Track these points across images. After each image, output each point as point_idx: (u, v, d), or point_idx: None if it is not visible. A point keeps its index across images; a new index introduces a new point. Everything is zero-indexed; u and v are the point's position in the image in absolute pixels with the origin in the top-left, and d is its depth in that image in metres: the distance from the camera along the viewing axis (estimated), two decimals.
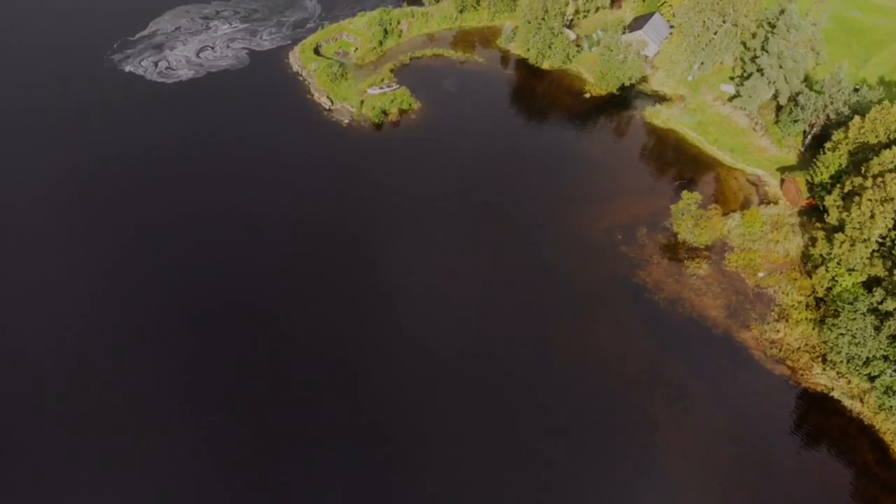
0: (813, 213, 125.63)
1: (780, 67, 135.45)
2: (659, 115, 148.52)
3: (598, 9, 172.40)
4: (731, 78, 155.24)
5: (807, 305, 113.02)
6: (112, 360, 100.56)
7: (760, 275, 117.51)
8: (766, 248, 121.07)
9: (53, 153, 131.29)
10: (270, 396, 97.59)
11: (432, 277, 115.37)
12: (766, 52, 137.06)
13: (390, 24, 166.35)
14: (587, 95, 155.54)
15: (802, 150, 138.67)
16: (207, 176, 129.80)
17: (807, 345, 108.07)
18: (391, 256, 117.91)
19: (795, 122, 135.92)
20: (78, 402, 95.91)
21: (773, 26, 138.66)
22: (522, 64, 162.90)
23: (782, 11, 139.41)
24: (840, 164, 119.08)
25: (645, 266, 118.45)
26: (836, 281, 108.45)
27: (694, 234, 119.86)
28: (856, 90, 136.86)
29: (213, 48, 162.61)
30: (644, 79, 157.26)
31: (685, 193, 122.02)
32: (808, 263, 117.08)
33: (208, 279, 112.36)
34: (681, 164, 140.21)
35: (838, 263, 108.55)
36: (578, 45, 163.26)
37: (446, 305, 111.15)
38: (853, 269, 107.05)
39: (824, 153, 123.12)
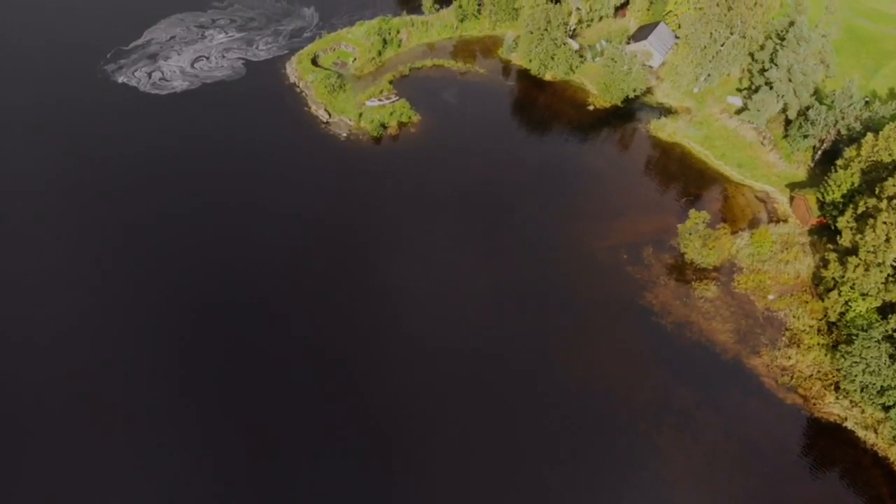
0: (824, 231, 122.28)
1: (790, 81, 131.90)
2: (664, 129, 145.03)
3: (601, 18, 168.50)
4: (738, 90, 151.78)
5: (818, 330, 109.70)
6: (105, 380, 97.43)
7: (770, 297, 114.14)
8: (775, 268, 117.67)
9: (40, 168, 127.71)
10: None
11: (431, 297, 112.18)
12: (776, 65, 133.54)
13: (389, 33, 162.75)
14: (590, 107, 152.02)
15: (812, 165, 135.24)
16: (200, 192, 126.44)
17: (819, 372, 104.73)
18: (389, 275, 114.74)
19: (805, 137, 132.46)
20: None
21: (783, 38, 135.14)
22: (524, 75, 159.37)
23: (792, 23, 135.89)
24: (852, 183, 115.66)
25: (652, 288, 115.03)
26: (850, 306, 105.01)
27: (702, 254, 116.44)
28: (866, 102, 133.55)
29: (208, 58, 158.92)
30: (649, 90, 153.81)
31: (692, 212, 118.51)
32: (819, 285, 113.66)
33: (200, 292, 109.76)
34: (687, 179, 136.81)
35: (851, 288, 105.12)
36: (581, 56, 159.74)
37: (445, 325, 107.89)
38: (867, 294, 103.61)
39: (836, 171, 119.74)
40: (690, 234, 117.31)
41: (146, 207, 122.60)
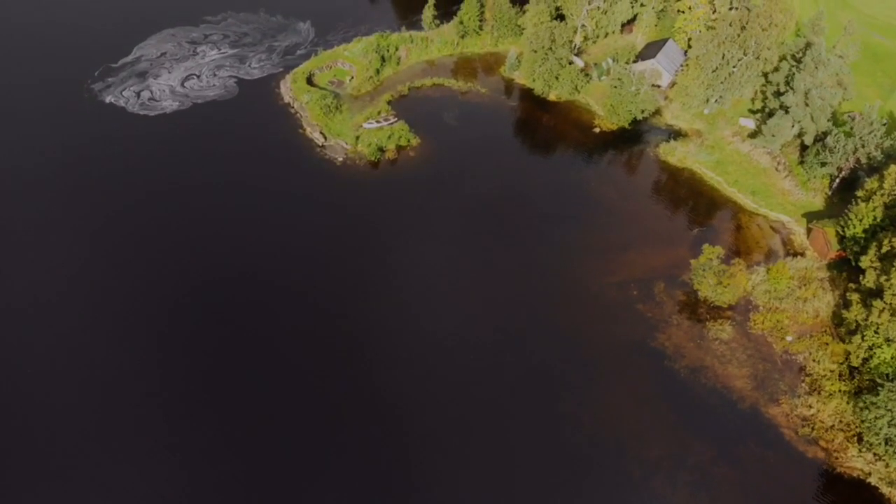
0: (843, 266, 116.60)
1: (807, 105, 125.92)
2: (674, 153, 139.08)
3: (607, 34, 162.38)
4: (751, 111, 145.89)
5: (840, 375, 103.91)
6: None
7: (788, 339, 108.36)
8: (793, 306, 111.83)
9: (18, 196, 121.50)
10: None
11: (428, 335, 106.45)
12: (792, 89, 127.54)
13: (388, 50, 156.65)
14: (596, 130, 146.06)
15: (829, 193, 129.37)
16: (187, 220, 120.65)
17: (841, 422, 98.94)
18: (386, 314, 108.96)
19: (823, 164, 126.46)
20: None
21: (799, 61, 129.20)
22: (527, 94, 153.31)
23: (808, 45, 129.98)
24: (875, 218, 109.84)
25: (664, 328, 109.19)
26: (874, 352, 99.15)
27: (716, 292, 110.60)
28: (882, 124, 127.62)
29: (199, 77, 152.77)
30: (657, 111, 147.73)
31: (706, 247, 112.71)
32: (840, 326, 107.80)
33: (184, 328, 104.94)
34: (698, 207, 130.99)
35: (876, 332, 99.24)
36: (587, 74, 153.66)
37: (443, 368, 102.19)
38: (893, 340, 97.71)
39: (856, 203, 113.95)
40: (704, 270, 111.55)
41: (127, 240, 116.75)
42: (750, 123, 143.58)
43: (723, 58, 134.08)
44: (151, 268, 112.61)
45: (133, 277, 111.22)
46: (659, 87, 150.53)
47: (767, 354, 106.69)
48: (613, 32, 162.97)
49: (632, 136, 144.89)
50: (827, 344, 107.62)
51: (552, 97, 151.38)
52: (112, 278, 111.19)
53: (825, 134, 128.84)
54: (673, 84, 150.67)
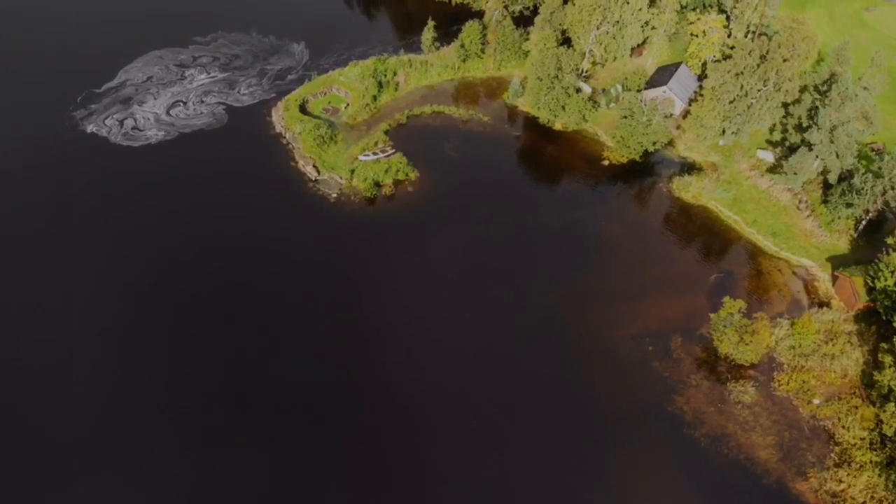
0: (872, 317, 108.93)
1: (832, 142, 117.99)
2: (688, 188, 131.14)
3: (615, 58, 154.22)
4: (769, 142, 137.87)
5: (871, 443, 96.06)
6: None
7: (816, 402, 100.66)
8: (820, 364, 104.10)
9: None
10: None
11: (423, 396, 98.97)
12: (816, 124, 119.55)
13: (385, 75, 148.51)
14: (605, 162, 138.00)
15: (855, 235, 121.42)
16: (168, 269, 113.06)
17: (873, 497, 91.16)
18: (375, 367, 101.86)
19: (849, 206, 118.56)
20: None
21: (823, 94, 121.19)
22: (532, 123, 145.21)
23: (833, 76, 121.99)
24: None
25: (682, 389, 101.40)
26: None
27: (738, 349, 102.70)
28: None
29: (185, 103, 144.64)
30: (670, 142, 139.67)
31: (727, 300, 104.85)
32: (870, 387, 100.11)
33: (168, 375, 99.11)
34: (716, 250, 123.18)
35: None
36: (595, 102, 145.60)
37: (440, 440, 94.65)
38: None
39: (887, 252, 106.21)
40: (725, 326, 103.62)
41: (103, 283, 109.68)
42: (768, 156, 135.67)
43: (741, 89, 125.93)
44: (125, 314, 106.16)
45: (108, 320, 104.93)
46: (671, 115, 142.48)
47: (794, 420, 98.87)
48: (622, 56, 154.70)
49: (643, 169, 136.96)
50: (856, 407, 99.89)
51: (558, 126, 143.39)
52: (88, 323, 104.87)
53: (850, 172, 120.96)
54: (686, 113, 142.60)
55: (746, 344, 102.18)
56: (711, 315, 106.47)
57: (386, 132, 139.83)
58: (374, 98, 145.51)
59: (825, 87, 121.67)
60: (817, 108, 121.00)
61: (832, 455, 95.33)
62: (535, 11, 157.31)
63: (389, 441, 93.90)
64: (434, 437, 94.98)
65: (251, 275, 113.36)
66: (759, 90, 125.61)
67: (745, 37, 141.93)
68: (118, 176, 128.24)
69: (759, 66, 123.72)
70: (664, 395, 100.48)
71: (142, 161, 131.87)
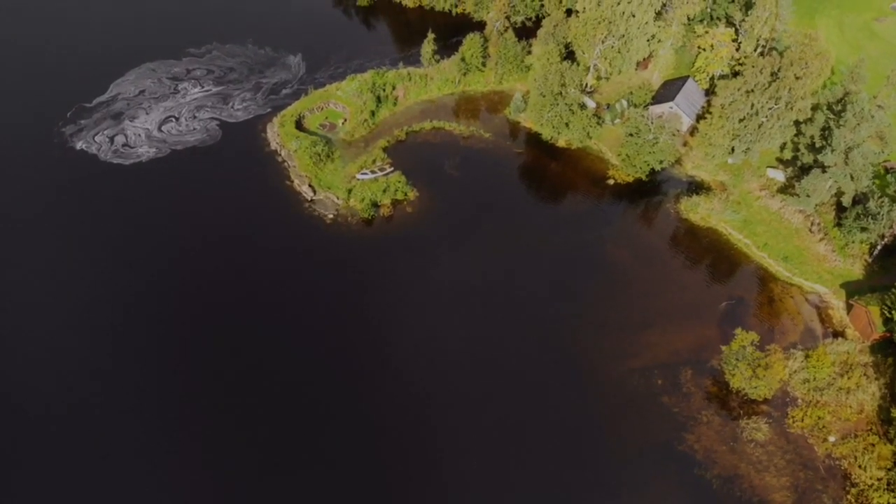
0: (889, 348, 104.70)
1: (846, 164, 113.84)
2: (696, 209, 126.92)
3: (620, 72, 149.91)
4: (779, 160, 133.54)
5: (888, 483, 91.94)
6: None
7: (831, 440, 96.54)
8: (835, 399, 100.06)
9: None
10: None
11: (423, 433, 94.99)
12: (829, 145, 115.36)
13: (384, 89, 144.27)
14: (610, 182, 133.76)
15: (870, 260, 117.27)
16: (160, 289, 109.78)
17: None
18: (376, 398, 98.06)
19: (863, 230, 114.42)
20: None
21: (837, 114, 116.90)
22: (534, 139, 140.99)
23: (847, 94, 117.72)
24: None
25: (692, 426, 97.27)
26: None
27: (751, 384, 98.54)
28: None
29: (178, 119, 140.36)
30: (677, 160, 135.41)
31: (739, 332, 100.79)
32: (888, 425, 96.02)
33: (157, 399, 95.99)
34: (726, 275, 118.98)
35: None
36: (599, 117, 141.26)
37: (437, 478, 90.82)
38: None
39: None
40: (737, 359, 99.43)
41: (91, 308, 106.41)
42: (779, 175, 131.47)
43: (752, 107, 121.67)
44: (112, 340, 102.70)
45: (93, 350, 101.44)
46: (679, 131, 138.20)
47: (808, 459, 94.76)
48: (628, 69, 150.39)
49: (649, 189, 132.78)
50: (873, 445, 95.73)
51: (562, 143, 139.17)
52: (77, 344, 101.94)
53: (865, 195, 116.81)
54: (693, 129, 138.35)
55: (760, 378, 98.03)
56: (723, 348, 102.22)
57: (384, 149, 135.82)
58: (373, 113, 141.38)
59: (839, 107, 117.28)
60: (831, 128, 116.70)
61: (848, 497, 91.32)
62: (538, 23, 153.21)
63: (382, 468, 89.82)
64: (439, 484, 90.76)
65: (242, 303, 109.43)
66: (770, 109, 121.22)
67: (755, 51, 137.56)
68: (107, 196, 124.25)
69: (770, 83, 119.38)
70: (674, 433, 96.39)
71: (131, 180, 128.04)
